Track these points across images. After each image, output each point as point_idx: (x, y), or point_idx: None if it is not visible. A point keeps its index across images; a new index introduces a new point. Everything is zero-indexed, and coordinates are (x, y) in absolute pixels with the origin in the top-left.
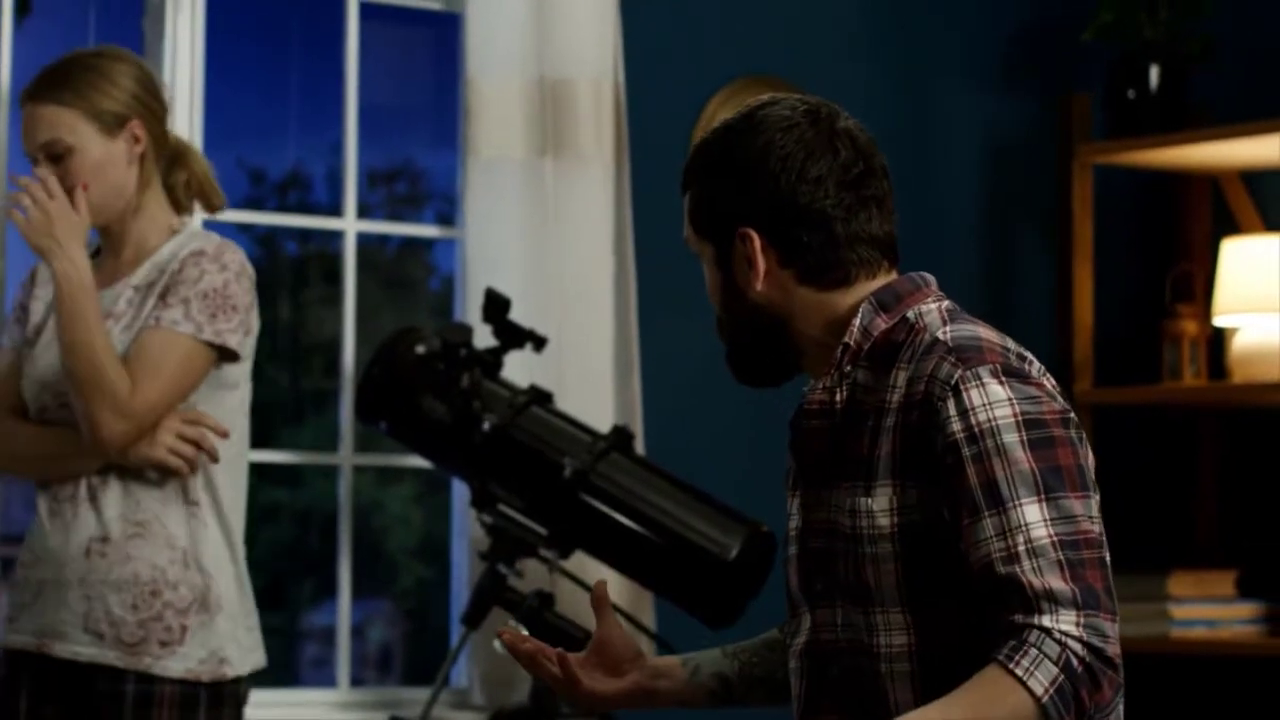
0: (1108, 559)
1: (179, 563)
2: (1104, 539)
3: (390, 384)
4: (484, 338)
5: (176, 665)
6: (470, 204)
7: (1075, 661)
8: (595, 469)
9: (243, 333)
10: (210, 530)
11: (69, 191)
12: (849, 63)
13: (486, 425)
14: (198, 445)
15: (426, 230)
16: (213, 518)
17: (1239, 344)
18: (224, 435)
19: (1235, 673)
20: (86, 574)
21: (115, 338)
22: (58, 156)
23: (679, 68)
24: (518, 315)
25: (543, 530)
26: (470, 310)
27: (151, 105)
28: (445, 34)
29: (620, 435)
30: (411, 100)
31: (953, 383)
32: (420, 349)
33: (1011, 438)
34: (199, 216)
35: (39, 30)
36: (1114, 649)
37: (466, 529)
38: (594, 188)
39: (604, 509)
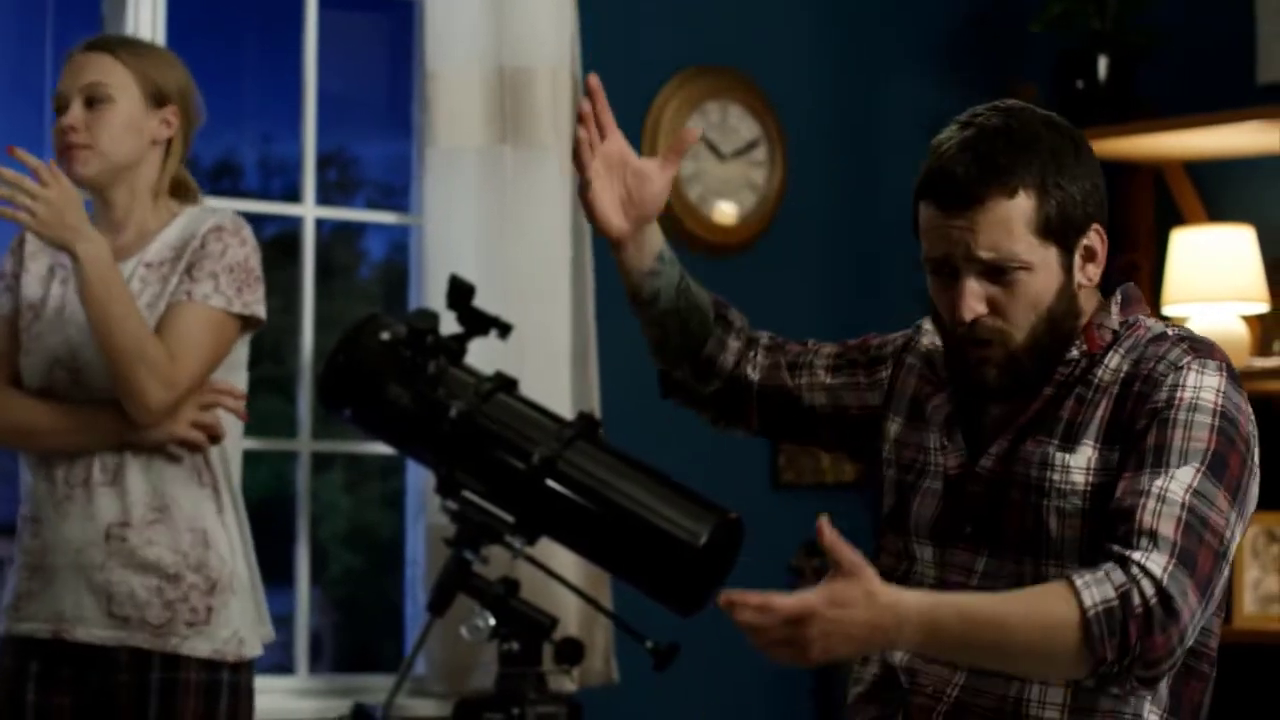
0: (1224, 566)
1: (200, 544)
2: (1230, 550)
3: (355, 371)
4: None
5: (204, 645)
6: (428, 192)
7: (1137, 598)
8: (563, 456)
9: (264, 304)
10: (224, 510)
11: (68, 153)
12: (799, 52)
13: (453, 412)
14: (212, 427)
15: (383, 217)
16: (225, 497)
17: None
18: (241, 397)
19: None
20: (107, 558)
21: None
22: (93, 101)
23: (631, 56)
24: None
25: (509, 517)
26: (427, 297)
27: (190, 105)
28: (394, 22)
29: (587, 422)
30: (352, 88)
31: (1181, 364)
32: (385, 335)
33: (1204, 418)
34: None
35: None
36: (1186, 615)
37: (422, 517)
38: (551, 176)
39: (572, 496)
